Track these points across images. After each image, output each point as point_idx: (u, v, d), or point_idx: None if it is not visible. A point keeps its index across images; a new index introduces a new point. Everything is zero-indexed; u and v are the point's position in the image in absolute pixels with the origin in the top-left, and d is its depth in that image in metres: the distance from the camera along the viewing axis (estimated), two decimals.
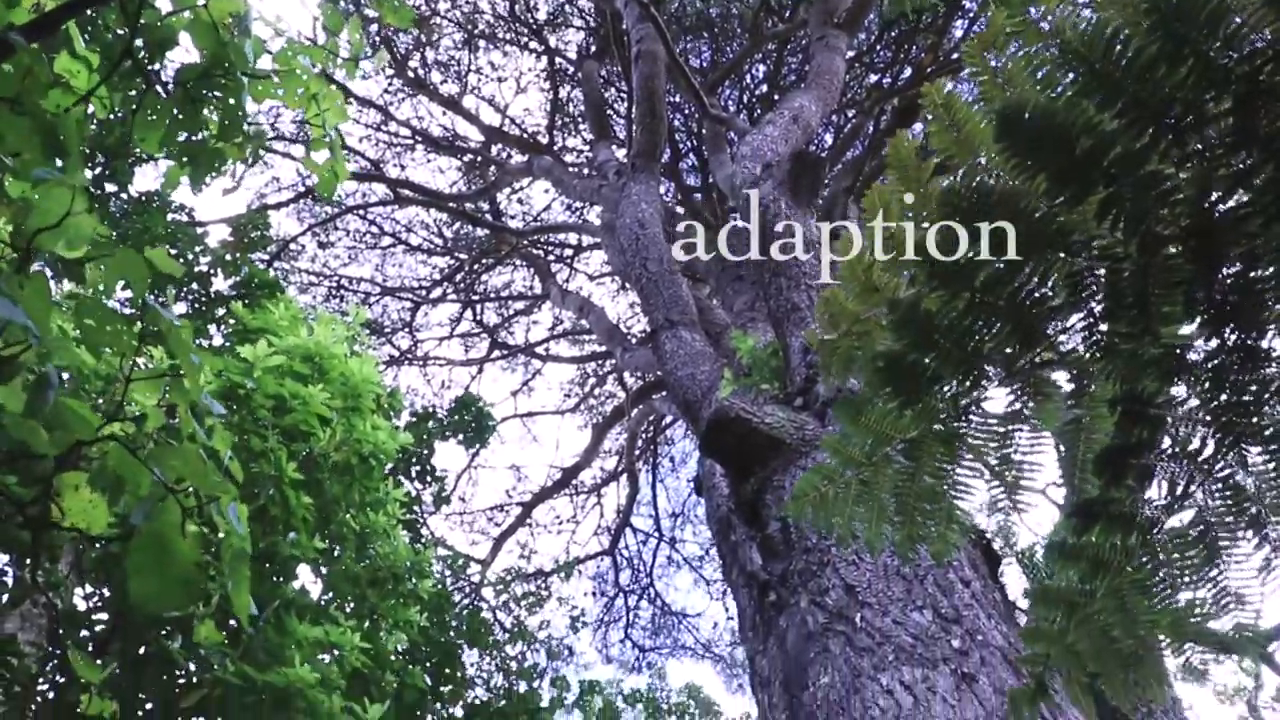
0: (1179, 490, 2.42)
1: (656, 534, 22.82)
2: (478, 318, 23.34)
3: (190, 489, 2.78)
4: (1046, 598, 2.40)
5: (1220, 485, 2.39)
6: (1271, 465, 2.34)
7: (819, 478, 2.48)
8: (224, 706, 6.62)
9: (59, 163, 3.38)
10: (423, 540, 12.75)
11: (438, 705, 10.24)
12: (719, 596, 22.97)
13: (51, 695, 7.47)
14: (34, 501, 3.77)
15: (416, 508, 12.73)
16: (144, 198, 12.24)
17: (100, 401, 6.53)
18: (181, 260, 11.40)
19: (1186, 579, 2.43)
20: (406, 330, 22.61)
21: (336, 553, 8.26)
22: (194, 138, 4.48)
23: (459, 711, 10.79)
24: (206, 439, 2.97)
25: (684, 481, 23.18)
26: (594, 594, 23.29)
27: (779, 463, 6.18)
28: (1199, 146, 2.15)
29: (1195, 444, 2.39)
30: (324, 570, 8.33)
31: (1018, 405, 2.39)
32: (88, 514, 3.01)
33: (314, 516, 7.58)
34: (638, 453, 22.15)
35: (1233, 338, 2.30)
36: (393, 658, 8.58)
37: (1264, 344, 2.29)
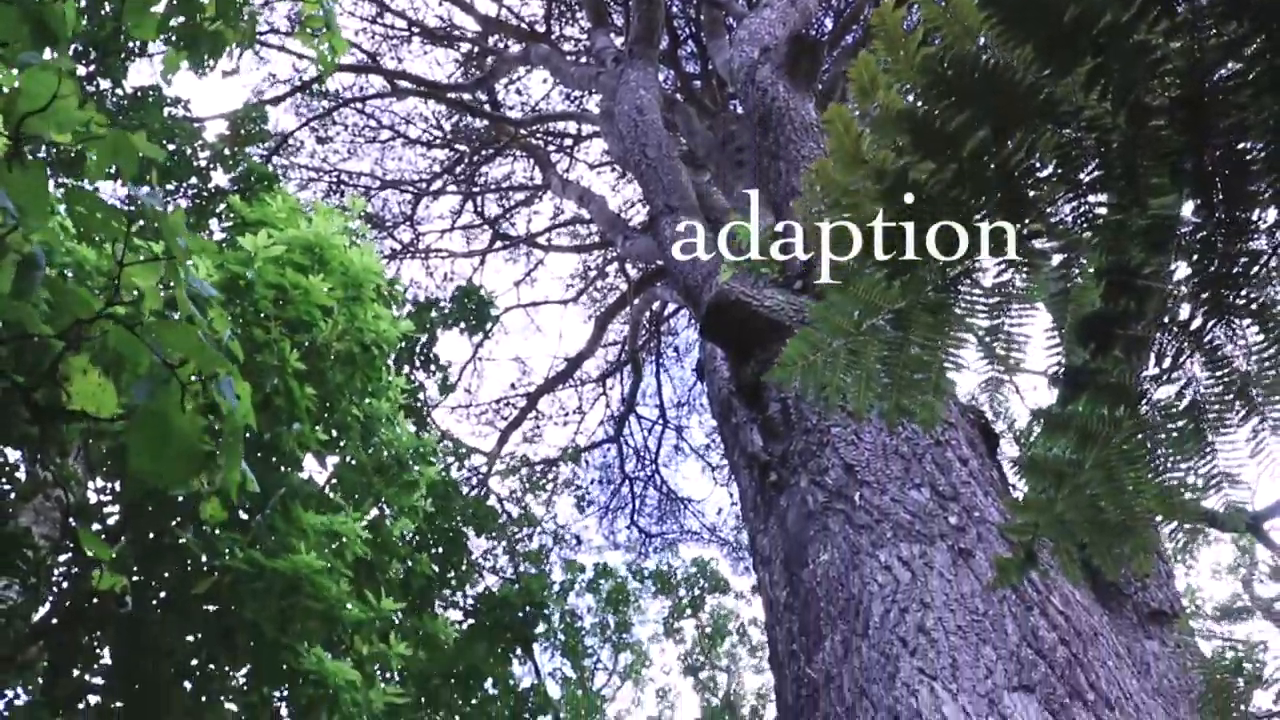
0: (1167, 363, 2.44)
1: (661, 422, 22.95)
2: (479, 209, 23.21)
3: (192, 372, 2.82)
4: (1035, 468, 2.43)
5: (1208, 357, 2.41)
6: (1261, 337, 2.36)
7: (806, 346, 2.50)
8: (234, 593, 6.74)
9: (49, 52, 3.36)
10: (428, 430, 12.84)
11: (446, 592, 10.41)
12: (725, 482, 23.18)
13: (65, 585, 7.62)
14: (39, 387, 3.81)
15: (422, 397, 12.80)
16: (140, 93, 12.14)
17: (100, 294, 6.56)
18: (179, 155, 11.36)
19: (1175, 453, 2.46)
20: (408, 223, 22.51)
21: (341, 442, 8.33)
22: (190, 21, 4.45)
23: (467, 600, 10.97)
24: (205, 321, 2.99)
25: (688, 370, 23.25)
26: (600, 482, 23.51)
27: (779, 345, 6.20)
28: (1189, 16, 2.13)
29: (1184, 315, 2.40)
30: (329, 460, 8.41)
31: (1006, 277, 2.40)
32: (96, 397, 3.05)
33: (317, 406, 7.63)
34: (641, 342, 22.19)
35: (1221, 210, 2.30)
36: (399, 546, 8.70)
37: (1253, 216, 2.29)
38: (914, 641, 4.09)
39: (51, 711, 6.45)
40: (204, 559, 6.90)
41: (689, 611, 26.34)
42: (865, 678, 4.11)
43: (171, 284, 2.95)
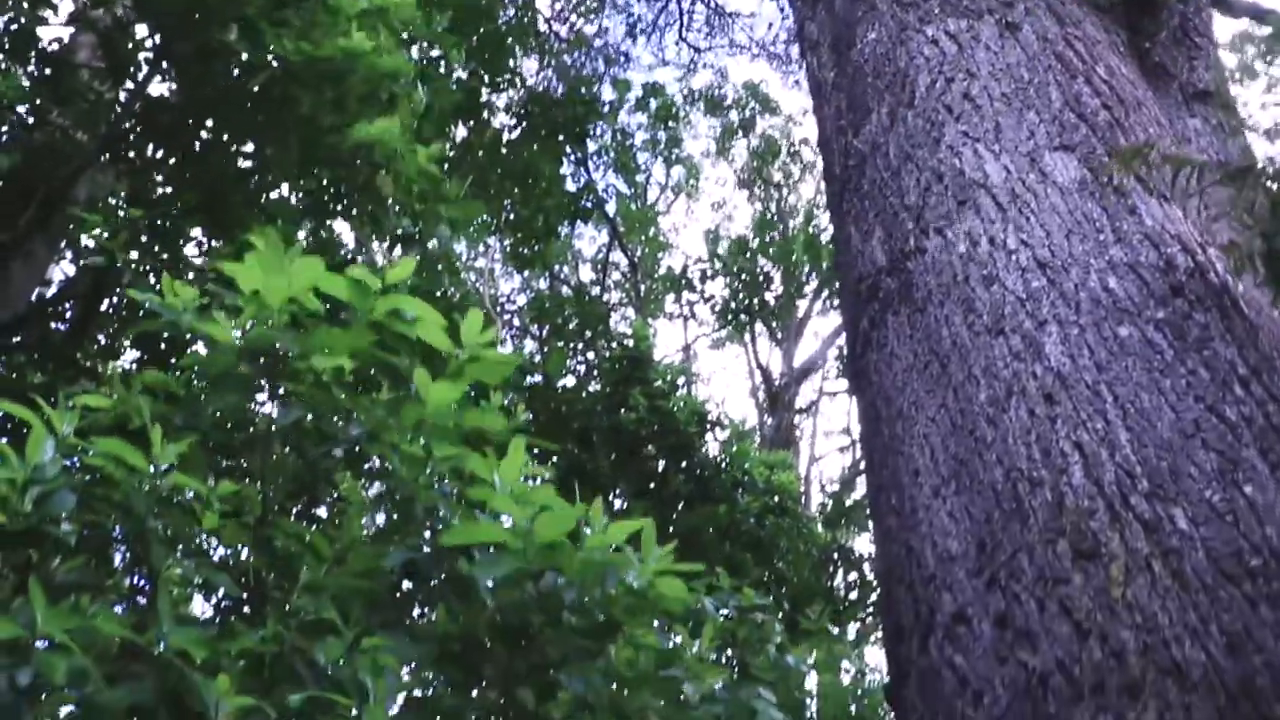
0: None
1: None
2: None
3: None
4: None
5: None
6: None
7: None
8: (287, 85, 6.88)
9: None
10: None
11: (495, 99, 10.57)
12: None
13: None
14: None
15: None
16: None
17: None
18: None
19: None
20: None
21: None
22: None
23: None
24: None
25: None
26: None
27: None
28: None
29: None
30: None
31: None
32: None
33: None
34: None
35: None
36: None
37: None
38: (959, 108, 4.21)
39: (135, 207, 6.81)
40: (250, 58, 7.00)
41: (740, 133, 26.46)
42: (910, 143, 4.27)
43: None
